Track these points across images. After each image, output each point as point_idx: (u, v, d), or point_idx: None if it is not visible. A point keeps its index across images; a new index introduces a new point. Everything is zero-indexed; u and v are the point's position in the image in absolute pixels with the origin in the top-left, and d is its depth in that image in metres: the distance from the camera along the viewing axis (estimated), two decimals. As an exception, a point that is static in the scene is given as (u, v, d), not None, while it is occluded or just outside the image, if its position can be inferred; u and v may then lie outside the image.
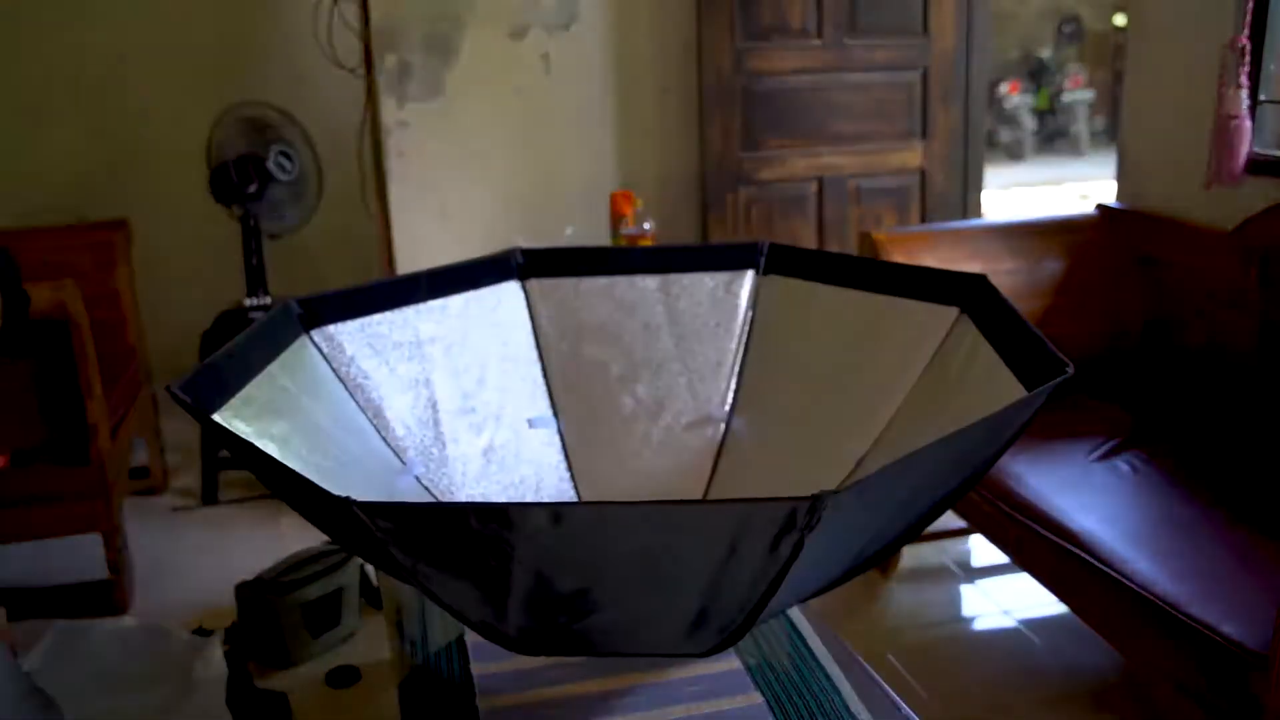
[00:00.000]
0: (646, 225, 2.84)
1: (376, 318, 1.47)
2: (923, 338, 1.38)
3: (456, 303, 1.52)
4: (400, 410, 1.45)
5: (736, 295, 1.60)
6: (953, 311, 1.37)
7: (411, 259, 2.97)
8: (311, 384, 1.35)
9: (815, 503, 0.83)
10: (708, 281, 1.60)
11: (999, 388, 1.18)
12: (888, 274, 1.47)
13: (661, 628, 1.02)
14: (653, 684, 1.18)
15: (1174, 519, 1.86)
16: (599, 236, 3.05)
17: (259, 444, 1.08)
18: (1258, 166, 2.19)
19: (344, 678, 2.17)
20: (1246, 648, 1.45)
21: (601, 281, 1.60)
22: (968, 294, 1.36)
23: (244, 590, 2.25)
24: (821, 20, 3.22)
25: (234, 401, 1.16)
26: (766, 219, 3.32)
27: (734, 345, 1.58)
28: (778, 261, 1.59)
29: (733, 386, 1.57)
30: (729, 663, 1.23)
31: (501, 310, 1.57)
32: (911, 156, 3.40)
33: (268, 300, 3.29)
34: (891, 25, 3.29)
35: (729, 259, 1.61)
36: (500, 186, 3.14)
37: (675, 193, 3.30)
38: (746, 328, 1.59)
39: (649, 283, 1.60)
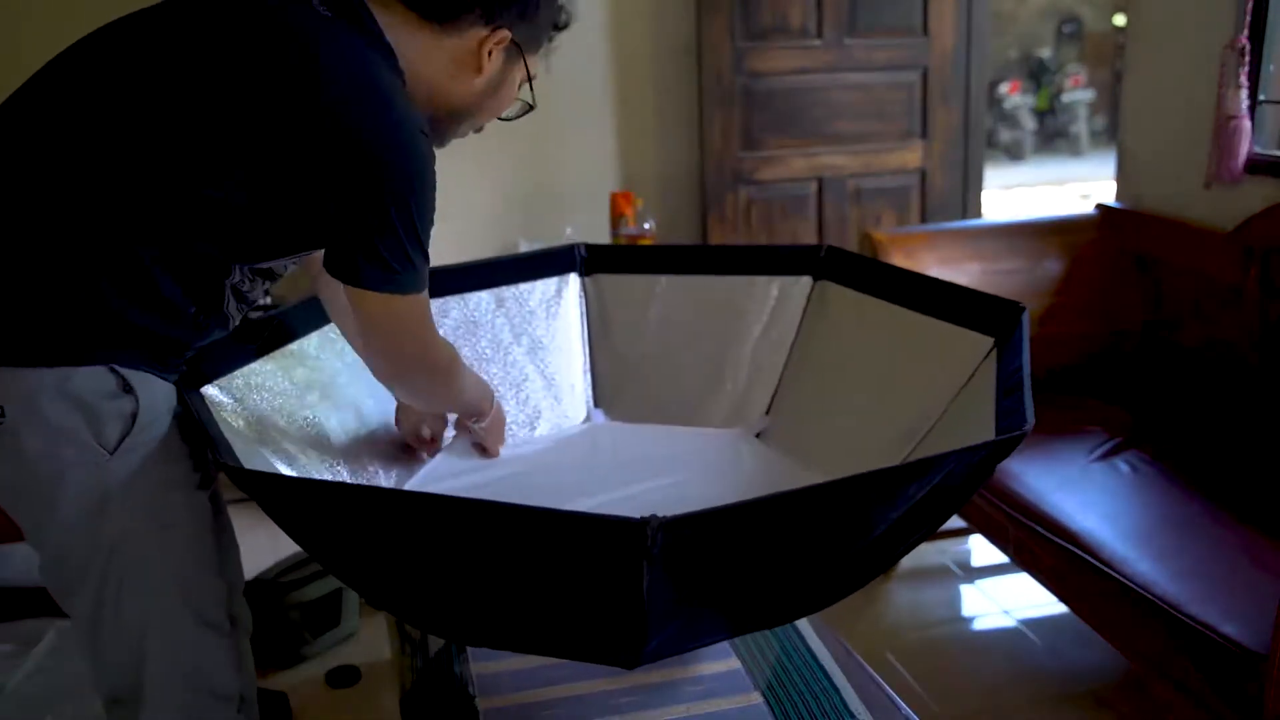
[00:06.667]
0: (647, 225, 2.84)
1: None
2: (957, 367, 1.33)
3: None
4: None
5: (789, 298, 1.63)
6: (988, 342, 1.30)
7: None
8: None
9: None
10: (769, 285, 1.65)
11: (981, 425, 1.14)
12: (931, 291, 1.42)
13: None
14: (653, 684, 1.18)
15: (1174, 519, 1.86)
16: (599, 236, 3.04)
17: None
18: (1257, 166, 2.19)
19: (344, 678, 2.17)
20: (1246, 648, 1.45)
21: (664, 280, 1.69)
22: (1003, 323, 1.29)
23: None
24: (821, 20, 3.22)
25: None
26: (766, 219, 3.31)
27: (784, 350, 1.61)
28: (832, 267, 1.60)
29: (773, 388, 1.60)
30: (729, 663, 1.23)
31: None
32: (911, 156, 3.40)
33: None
34: (891, 25, 3.29)
35: (787, 262, 1.64)
36: (500, 186, 3.14)
37: (675, 193, 3.30)
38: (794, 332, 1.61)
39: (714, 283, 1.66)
